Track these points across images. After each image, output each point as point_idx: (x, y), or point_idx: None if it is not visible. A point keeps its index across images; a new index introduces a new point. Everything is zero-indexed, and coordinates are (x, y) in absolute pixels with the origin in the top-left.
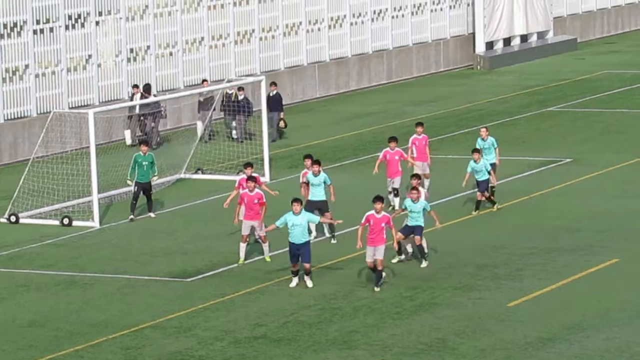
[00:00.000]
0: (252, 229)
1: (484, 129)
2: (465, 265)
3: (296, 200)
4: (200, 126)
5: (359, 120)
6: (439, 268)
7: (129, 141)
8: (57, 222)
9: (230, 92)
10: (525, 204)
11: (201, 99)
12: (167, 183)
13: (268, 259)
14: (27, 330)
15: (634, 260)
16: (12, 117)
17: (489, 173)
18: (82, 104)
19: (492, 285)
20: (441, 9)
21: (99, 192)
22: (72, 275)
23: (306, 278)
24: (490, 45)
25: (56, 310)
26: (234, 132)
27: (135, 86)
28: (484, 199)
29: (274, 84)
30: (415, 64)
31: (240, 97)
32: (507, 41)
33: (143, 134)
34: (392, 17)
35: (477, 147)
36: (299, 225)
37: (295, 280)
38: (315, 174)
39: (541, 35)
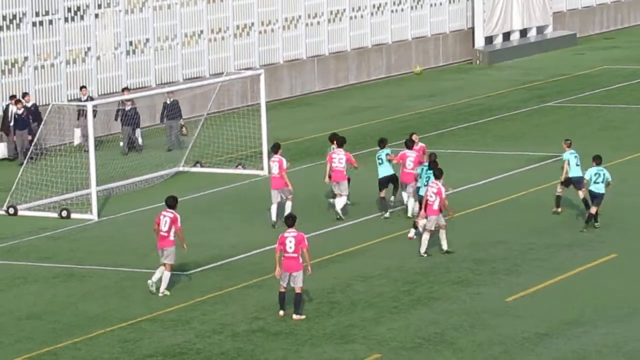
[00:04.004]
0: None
1: None
2: (463, 260)
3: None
4: (77, 135)
5: (357, 114)
6: (437, 262)
7: (2, 154)
8: (55, 215)
9: (126, 102)
10: (524, 199)
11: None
12: (166, 176)
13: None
14: (25, 322)
15: (632, 256)
16: None
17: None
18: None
19: (490, 280)
20: (440, 4)
21: (97, 185)
22: (70, 268)
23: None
24: (489, 40)
25: (54, 303)
26: (121, 143)
27: (13, 97)
28: None
29: (171, 92)
30: (415, 59)
31: (128, 108)
32: (506, 36)
33: (15, 146)
34: (392, 11)
35: None
36: None
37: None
38: None
39: (540, 30)
